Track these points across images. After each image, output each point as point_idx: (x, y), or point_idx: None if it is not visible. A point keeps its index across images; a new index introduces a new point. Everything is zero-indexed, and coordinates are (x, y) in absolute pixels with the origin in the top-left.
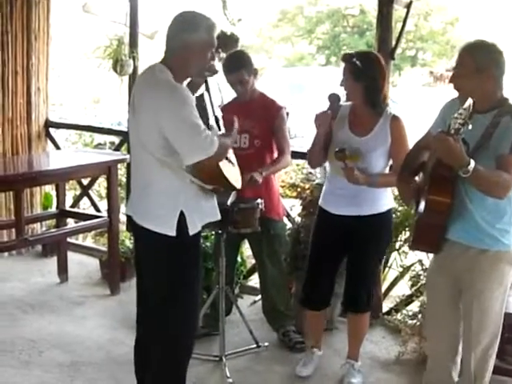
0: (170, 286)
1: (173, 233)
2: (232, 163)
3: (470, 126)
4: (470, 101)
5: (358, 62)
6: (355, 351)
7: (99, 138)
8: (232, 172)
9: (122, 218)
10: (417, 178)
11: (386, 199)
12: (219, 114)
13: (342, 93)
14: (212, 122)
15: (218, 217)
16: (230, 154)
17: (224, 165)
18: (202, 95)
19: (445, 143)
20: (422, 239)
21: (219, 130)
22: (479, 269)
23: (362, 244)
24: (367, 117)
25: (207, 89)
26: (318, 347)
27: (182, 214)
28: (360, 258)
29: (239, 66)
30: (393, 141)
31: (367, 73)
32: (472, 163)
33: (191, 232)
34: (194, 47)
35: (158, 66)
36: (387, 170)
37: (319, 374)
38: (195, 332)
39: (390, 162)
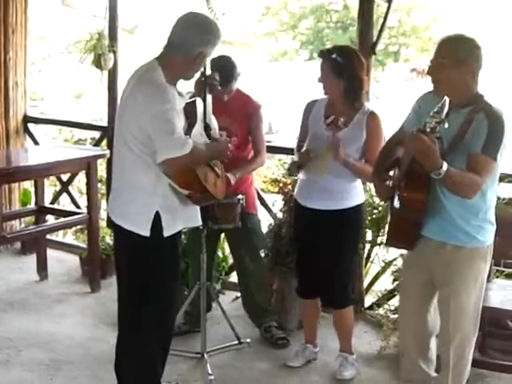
0: (142, 285)
1: (146, 233)
2: (216, 174)
3: (447, 125)
4: (446, 99)
5: (338, 58)
6: (346, 344)
7: (80, 133)
8: (212, 181)
9: (103, 214)
10: (391, 174)
11: (356, 196)
12: (214, 124)
13: (319, 89)
14: (198, 129)
15: (199, 222)
16: (217, 166)
17: (202, 172)
18: (194, 102)
19: (421, 143)
20: (398, 236)
21: (209, 138)
22: (455, 265)
23: (333, 239)
24: (344, 111)
25: (204, 97)
26: (311, 343)
27: (157, 215)
28: (331, 253)
29: (230, 80)
30: (368, 136)
31: (348, 69)
32: (444, 166)
33: (166, 233)
34: (197, 56)
35: (153, 63)
36: None
37: (304, 368)
38: (170, 332)
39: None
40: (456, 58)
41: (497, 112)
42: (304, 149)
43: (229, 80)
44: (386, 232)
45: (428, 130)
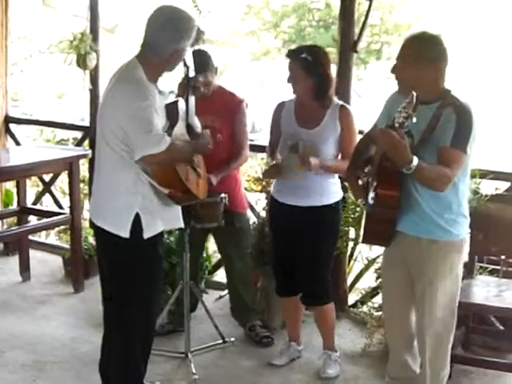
0: (125, 286)
1: (126, 234)
2: (198, 174)
3: (415, 119)
4: (413, 94)
5: (308, 57)
6: (329, 342)
7: (62, 133)
8: (194, 180)
9: (85, 214)
10: (366, 170)
11: (334, 192)
12: (197, 125)
13: (289, 89)
14: (180, 129)
15: (181, 224)
16: (199, 166)
17: (183, 170)
18: (175, 102)
19: (389, 138)
20: (373, 233)
21: (191, 138)
22: (430, 259)
23: (311, 236)
24: (315, 109)
25: (187, 98)
26: (295, 341)
27: (137, 216)
28: (310, 251)
29: (204, 69)
30: (342, 130)
31: (318, 67)
32: (415, 161)
33: (146, 235)
34: (174, 53)
35: (133, 61)
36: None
37: (288, 367)
38: (151, 332)
39: None
40: (418, 57)
41: (464, 106)
42: (273, 163)
43: (203, 68)
44: (361, 230)
45: (396, 125)
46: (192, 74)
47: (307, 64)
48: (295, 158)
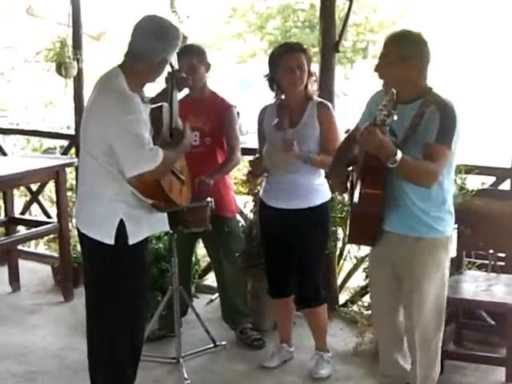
0: (110, 293)
1: (111, 241)
2: (181, 181)
3: (396, 117)
4: (393, 91)
5: (308, 50)
6: (321, 342)
7: (49, 142)
8: (178, 188)
9: (74, 222)
10: (350, 169)
11: (322, 193)
12: (179, 125)
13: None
14: (165, 133)
15: (167, 227)
16: (182, 173)
17: (166, 181)
18: (160, 107)
19: (371, 135)
20: (359, 233)
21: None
22: (416, 257)
23: (301, 238)
24: (297, 107)
25: (170, 101)
26: (287, 342)
27: (121, 223)
28: (301, 253)
29: (190, 51)
30: (322, 127)
31: (311, 62)
32: (399, 154)
33: (131, 241)
34: (161, 62)
35: (115, 70)
36: None
37: (280, 368)
38: (139, 336)
39: None
40: (400, 55)
41: (447, 103)
42: (254, 157)
43: (187, 52)
44: (347, 230)
45: (378, 122)
46: (175, 66)
47: (310, 58)
48: (278, 149)
